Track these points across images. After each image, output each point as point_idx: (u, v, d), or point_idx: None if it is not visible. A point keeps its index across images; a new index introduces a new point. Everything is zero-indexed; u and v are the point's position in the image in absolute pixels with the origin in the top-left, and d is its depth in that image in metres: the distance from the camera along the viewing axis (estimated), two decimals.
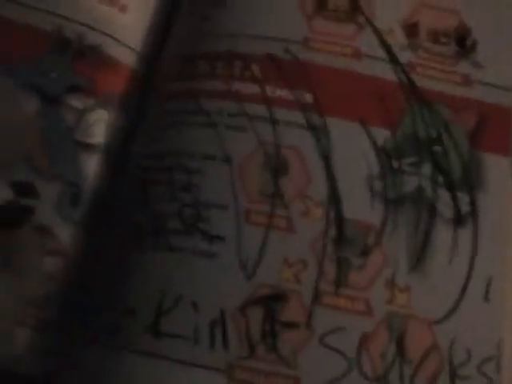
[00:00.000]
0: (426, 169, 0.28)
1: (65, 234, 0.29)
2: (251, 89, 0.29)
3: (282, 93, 0.29)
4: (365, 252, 0.27)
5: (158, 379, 0.26)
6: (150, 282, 0.27)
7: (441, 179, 0.28)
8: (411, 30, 0.31)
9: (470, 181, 0.28)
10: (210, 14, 0.31)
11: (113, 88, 0.31)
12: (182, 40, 0.31)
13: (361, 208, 0.27)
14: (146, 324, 0.26)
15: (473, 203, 0.28)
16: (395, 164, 0.28)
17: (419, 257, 0.27)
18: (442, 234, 0.27)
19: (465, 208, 0.27)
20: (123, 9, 0.32)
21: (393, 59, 0.30)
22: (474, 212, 0.27)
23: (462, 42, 0.30)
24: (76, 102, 0.30)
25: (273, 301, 0.26)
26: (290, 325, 0.26)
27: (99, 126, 0.30)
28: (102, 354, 0.26)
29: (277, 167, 0.28)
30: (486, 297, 0.26)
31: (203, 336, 0.26)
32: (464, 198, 0.28)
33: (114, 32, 0.31)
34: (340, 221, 0.27)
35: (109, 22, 0.31)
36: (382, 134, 0.28)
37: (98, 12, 0.31)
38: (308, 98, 0.29)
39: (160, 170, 0.29)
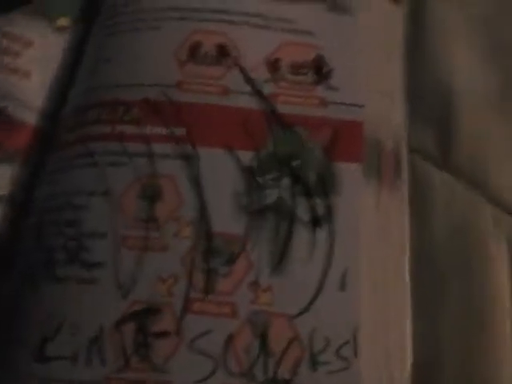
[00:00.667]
0: (286, 181, 0.30)
1: None
2: (132, 129, 0.32)
3: (158, 130, 0.32)
4: (230, 260, 0.29)
5: None
6: (37, 311, 0.29)
7: (299, 189, 0.30)
8: (273, 65, 0.34)
9: (325, 187, 0.30)
10: (99, 69, 0.34)
11: (17, 145, 0.34)
12: (76, 95, 0.35)
13: (227, 222, 0.29)
14: (32, 351, 0.28)
15: (328, 206, 0.30)
16: (259, 180, 0.30)
17: (280, 259, 0.29)
18: (301, 236, 0.29)
19: (321, 211, 0.30)
20: (26, 75, 0.35)
21: (257, 92, 0.33)
22: (329, 214, 0.30)
23: (319, 71, 0.34)
24: None
25: (145, 315, 0.28)
26: (161, 334, 0.28)
27: (4, 179, 0.33)
28: None
29: (152, 195, 0.30)
30: (342, 287, 0.28)
31: (81, 355, 0.27)
32: (320, 203, 0.30)
33: (18, 96, 0.35)
34: (208, 235, 0.29)
35: (13, 88, 0.35)
36: (247, 156, 0.31)
37: (2, 80, 0.35)
38: (181, 132, 0.32)
39: (51, 210, 0.31)
